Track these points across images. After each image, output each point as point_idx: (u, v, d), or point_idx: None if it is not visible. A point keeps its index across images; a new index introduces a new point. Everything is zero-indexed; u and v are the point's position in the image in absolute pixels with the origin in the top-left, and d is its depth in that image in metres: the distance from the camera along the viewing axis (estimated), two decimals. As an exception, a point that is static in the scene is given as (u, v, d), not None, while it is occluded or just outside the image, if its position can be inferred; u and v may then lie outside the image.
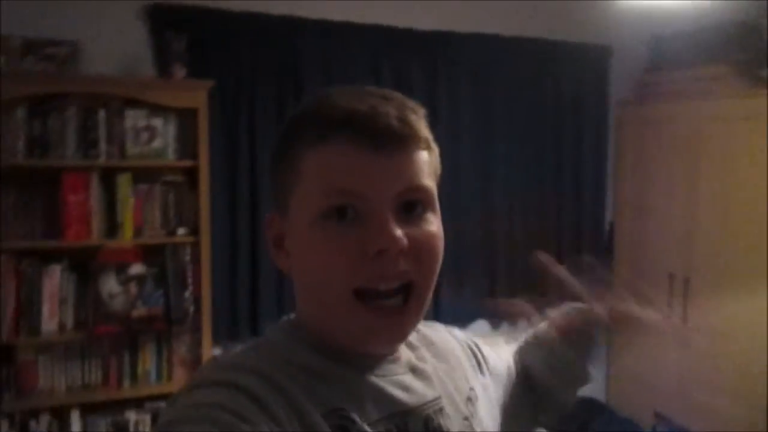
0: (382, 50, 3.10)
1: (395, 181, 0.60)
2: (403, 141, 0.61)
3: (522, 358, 0.88)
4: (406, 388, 0.66)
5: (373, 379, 0.64)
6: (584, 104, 3.55)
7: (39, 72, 2.41)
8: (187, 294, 2.66)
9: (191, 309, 2.66)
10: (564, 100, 3.50)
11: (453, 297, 3.40)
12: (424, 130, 0.65)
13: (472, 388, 0.74)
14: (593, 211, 3.65)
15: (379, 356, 0.66)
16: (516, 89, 3.39)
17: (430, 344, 0.74)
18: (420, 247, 0.61)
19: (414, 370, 0.68)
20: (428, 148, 0.65)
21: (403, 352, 0.69)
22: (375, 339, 0.63)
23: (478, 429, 0.71)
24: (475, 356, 0.80)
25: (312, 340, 0.64)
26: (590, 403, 2.42)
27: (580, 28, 3.40)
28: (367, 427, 0.60)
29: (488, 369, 0.80)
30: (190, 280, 2.67)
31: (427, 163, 0.64)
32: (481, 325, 3.57)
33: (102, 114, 2.53)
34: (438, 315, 3.37)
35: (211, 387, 0.57)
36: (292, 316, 0.70)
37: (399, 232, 0.59)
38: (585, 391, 2.63)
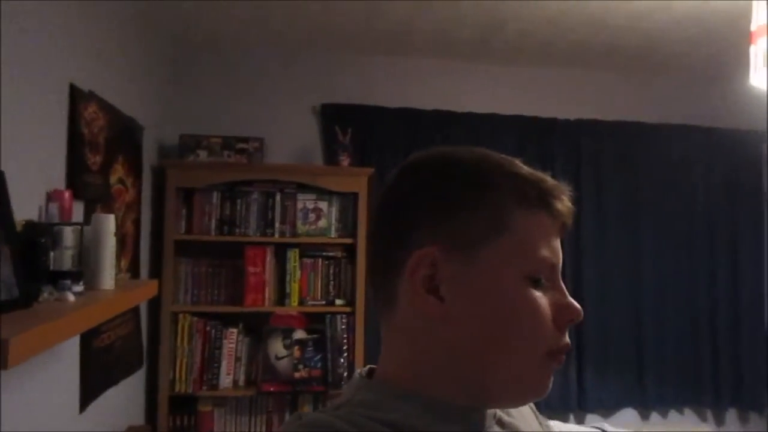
0: (527, 137, 3.31)
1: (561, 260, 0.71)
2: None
3: None
4: None
5: None
6: (738, 192, 3.48)
7: (233, 163, 2.89)
8: (343, 360, 2.91)
9: (345, 374, 2.89)
10: (715, 187, 3.46)
11: (598, 383, 3.35)
12: None
13: None
14: (751, 301, 3.48)
15: (476, 410, 0.66)
16: (664, 175, 3.42)
17: None
18: None
19: (500, 423, 0.69)
20: None
21: None
22: (542, 393, 0.67)
23: None
24: (536, 414, 0.81)
25: (409, 395, 0.64)
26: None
27: (730, 114, 3.40)
28: None
29: (548, 426, 0.84)
30: (345, 347, 2.92)
31: None
32: (629, 413, 3.46)
33: (278, 197, 2.95)
34: (583, 400, 3.32)
35: None
36: (363, 371, 0.70)
37: None
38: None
